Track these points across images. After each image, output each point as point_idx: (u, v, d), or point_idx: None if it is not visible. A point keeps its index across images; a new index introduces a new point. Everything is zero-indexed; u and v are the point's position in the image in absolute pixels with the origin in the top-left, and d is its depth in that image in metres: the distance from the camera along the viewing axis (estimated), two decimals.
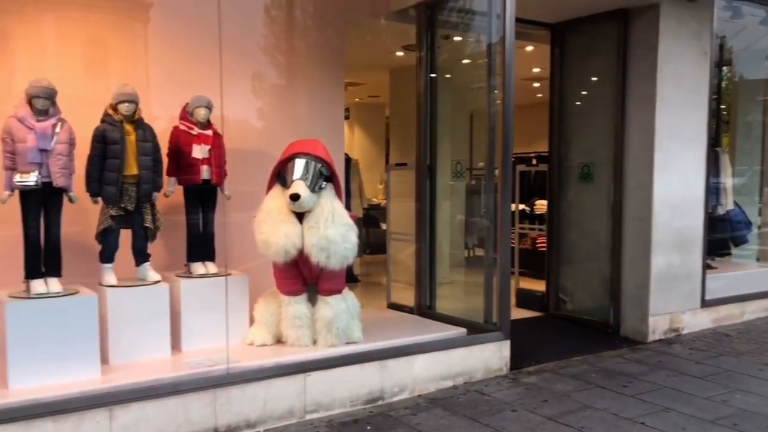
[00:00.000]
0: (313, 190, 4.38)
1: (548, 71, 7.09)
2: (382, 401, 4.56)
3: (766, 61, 8.40)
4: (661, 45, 6.12)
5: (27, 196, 3.85)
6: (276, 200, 4.45)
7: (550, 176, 7.12)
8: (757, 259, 8.30)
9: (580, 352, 5.83)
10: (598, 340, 6.25)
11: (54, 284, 3.96)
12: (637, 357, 5.75)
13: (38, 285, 3.92)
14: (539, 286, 7.45)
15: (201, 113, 4.55)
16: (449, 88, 6.15)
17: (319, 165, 4.46)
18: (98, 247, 4.25)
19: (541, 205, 9.12)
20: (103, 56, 4.87)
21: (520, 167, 8.91)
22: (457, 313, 5.65)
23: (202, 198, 4.70)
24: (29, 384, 3.65)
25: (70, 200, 3.99)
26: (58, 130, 3.85)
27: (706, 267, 6.80)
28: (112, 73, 4.88)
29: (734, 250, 8.07)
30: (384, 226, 7.83)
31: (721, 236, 7.68)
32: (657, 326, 6.33)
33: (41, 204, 3.91)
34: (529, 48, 7.75)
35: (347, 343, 4.61)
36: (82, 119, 4.08)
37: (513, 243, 7.55)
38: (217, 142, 4.64)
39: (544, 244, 7.60)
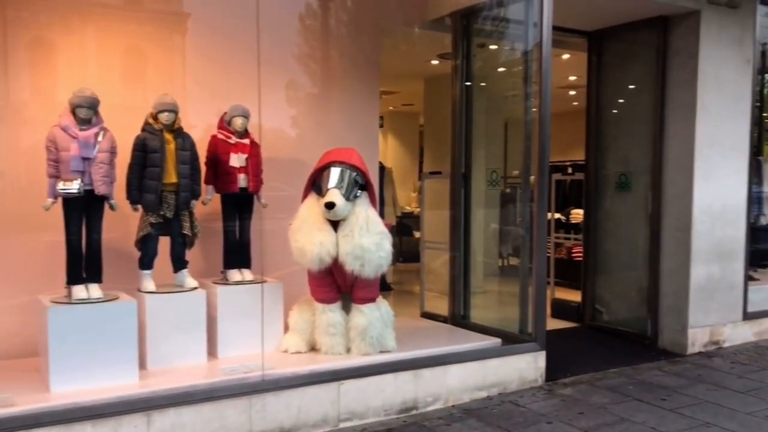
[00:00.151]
0: (348, 199, 4.39)
1: (585, 79, 7.03)
2: (416, 411, 4.54)
3: None
4: (701, 52, 6.02)
5: (69, 203, 3.93)
6: (311, 208, 4.48)
7: (586, 185, 7.04)
8: None
9: (616, 363, 5.73)
10: (635, 352, 6.14)
11: (95, 290, 4.03)
12: (676, 370, 5.63)
13: (79, 290, 3.99)
14: (575, 296, 7.36)
15: (239, 122, 4.60)
16: (484, 96, 6.13)
17: (354, 173, 4.47)
18: (138, 254, 4.33)
19: (577, 214, 9.01)
20: (142, 66, 4.98)
21: (556, 176, 8.82)
22: (491, 323, 5.60)
23: (239, 206, 4.75)
24: (70, 388, 3.72)
25: (111, 208, 4.07)
26: (100, 138, 3.93)
27: (748, 278, 6.66)
28: (151, 82, 4.98)
29: None
30: (417, 234, 7.82)
31: (764, 247, 7.51)
32: (697, 338, 6.19)
33: (83, 211, 3.99)
34: (566, 56, 7.71)
35: (381, 352, 4.60)
36: (122, 128, 4.16)
37: (548, 252, 7.48)
38: (254, 150, 4.69)
39: (580, 254, 7.51)
